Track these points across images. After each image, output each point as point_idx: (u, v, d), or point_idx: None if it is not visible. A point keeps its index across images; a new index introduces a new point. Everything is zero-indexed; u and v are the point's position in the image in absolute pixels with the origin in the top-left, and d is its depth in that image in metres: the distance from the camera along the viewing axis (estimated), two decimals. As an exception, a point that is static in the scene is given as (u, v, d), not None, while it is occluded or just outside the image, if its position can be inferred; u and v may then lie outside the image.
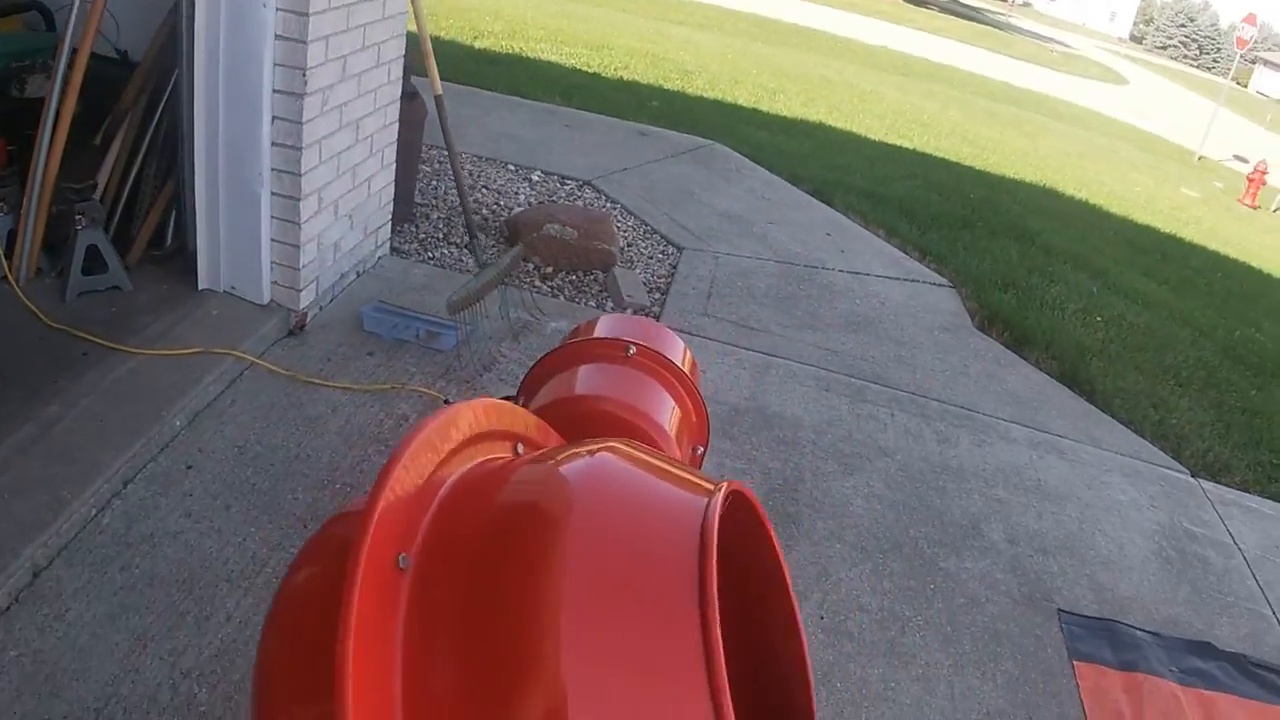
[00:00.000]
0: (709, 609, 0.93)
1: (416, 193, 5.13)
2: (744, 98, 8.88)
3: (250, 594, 2.51)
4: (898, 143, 8.81)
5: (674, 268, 4.96)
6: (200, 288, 3.71)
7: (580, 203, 5.57)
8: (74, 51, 3.27)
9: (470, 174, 5.70)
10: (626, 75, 8.84)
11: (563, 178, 5.90)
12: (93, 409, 3.03)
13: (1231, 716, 2.81)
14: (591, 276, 4.74)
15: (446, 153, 4.20)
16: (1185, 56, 31.46)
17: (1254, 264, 9.06)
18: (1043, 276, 5.96)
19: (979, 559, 3.18)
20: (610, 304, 4.50)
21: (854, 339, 4.48)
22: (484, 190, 5.54)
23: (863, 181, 6.91)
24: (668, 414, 1.76)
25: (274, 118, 3.38)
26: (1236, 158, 19.38)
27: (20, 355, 3.17)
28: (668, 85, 8.75)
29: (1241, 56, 20.54)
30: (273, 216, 3.58)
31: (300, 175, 3.48)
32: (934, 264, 5.60)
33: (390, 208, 4.44)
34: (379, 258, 4.46)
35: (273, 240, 3.63)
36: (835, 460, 3.55)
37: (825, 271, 5.15)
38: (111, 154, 3.55)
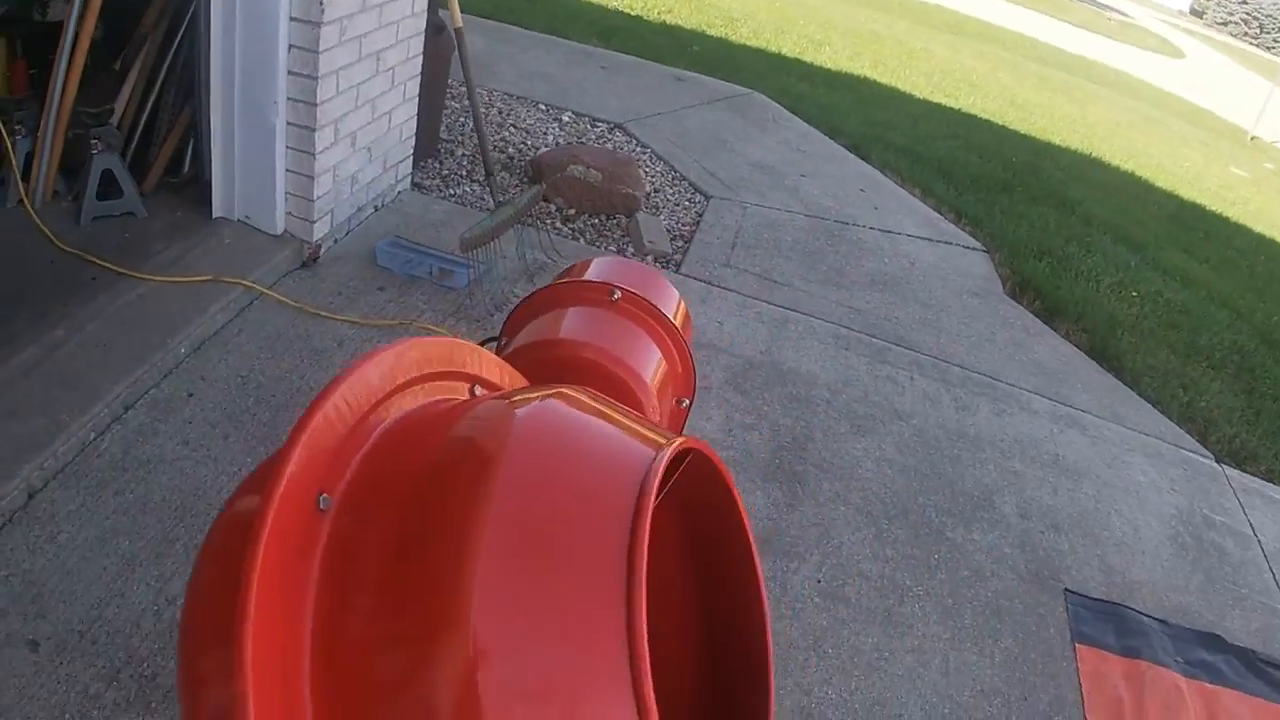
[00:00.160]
0: (635, 571, 0.87)
1: (443, 129, 5.05)
2: (788, 48, 8.64)
3: (239, 525, 2.49)
4: (943, 102, 8.54)
5: (700, 216, 4.86)
6: (214, 216, 3.68)
7: (610, 145, 5.46)
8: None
9: (499, 112, 5.60)
10: (669, 19, 8.62)
11: (594, 120, 5.79)
12: (98, 334, 3.02)
13: (1234, 713, 2.71)
14: (614, 221, 4.65)
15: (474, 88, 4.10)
16: (1246, 34, 30.24)
17: (1299, 250, 8.73)
18: (1080, 246, 5.77)
19: (988, 532, 3.09)
20: (631, 249, 4.41)
21: (879, 298, 4.36)
22: (512, 129, 5.45)
23: (903, 139, 6.71)
24: (649, 363, 1.69)
25: (290, 46, 3.31)
26: (1291, 141, 18.66)
27: (30, 278, 3.17)
28: (710, 31, 8.53)
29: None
30: (288, 147, 3.53)
31: (316, 105, 3.42)
32: (969, 227, 5.43)
33: (412, 142, 4.37)
34: (399, 192, 4.40)
35: (287, 170, 3.59)
36: (848, 421, 3.46)
37: (855, 228, 5.01)
38: (129, 80, 3.50)
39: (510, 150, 5.15)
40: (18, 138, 3.32)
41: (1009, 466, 3.43)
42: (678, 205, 4.97)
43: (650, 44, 7.49)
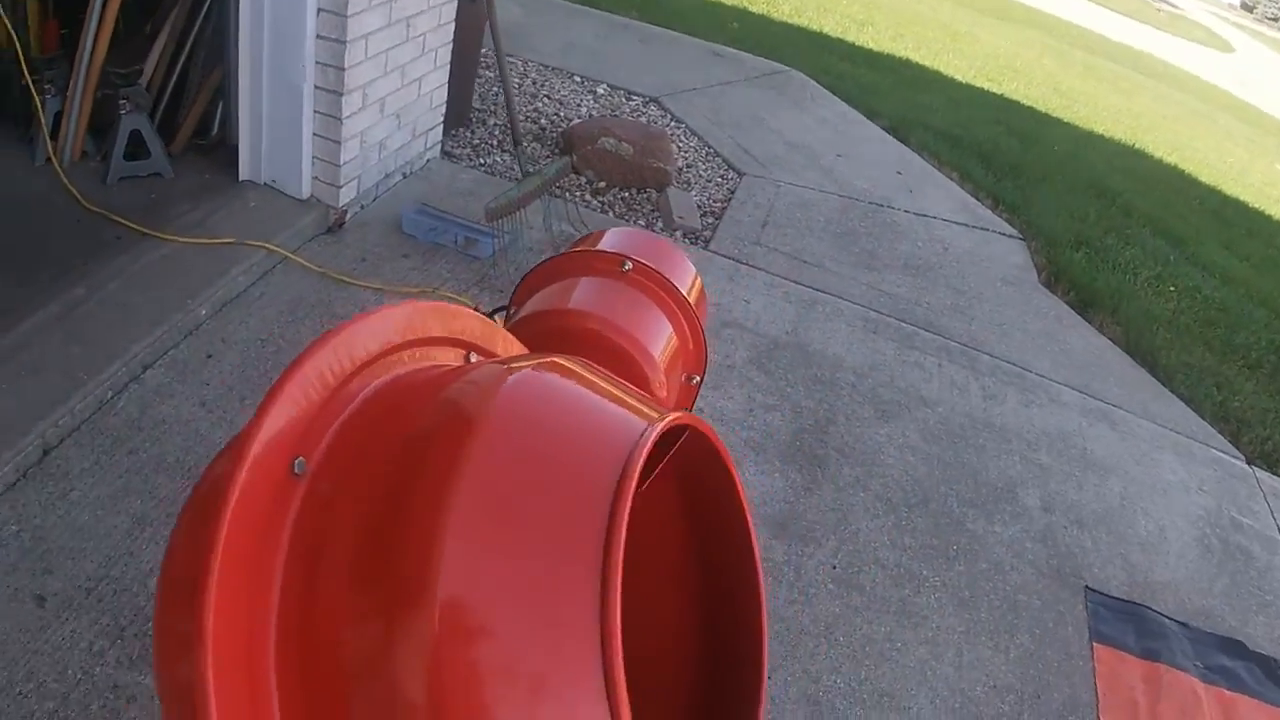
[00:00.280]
0: (612, 552, 0.82)
1: (475, 98, 5.00)
2: (830, 27, 8.49)
3: (249, 489, 2.48)
4: (985, 86, 8.36)
5: (732, 193, 4.78)
6: (240, 179, 3.67)
7: (644, 119, 5.39)
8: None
9: (534, 83, 5.55)
10: (709, -6, 8.53)
11: (629, 93, 5.72)
12: (119, 293, 3.02)
13: (1250, 722, 2.63)
14: (645, 195, 4.59)
15: (509, 58, 4.06)
16: (1297, 30, 29.42)
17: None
18: (1119, 238, 5.62)
19: (1009, 524, 3.01)
20: (660, 225, 4.36)
21: (910, 282, 4.27)
22: (546, 100, 5.39)
23: (942, 122, 6.57)
24: (658, 337, 1.64)
25: (319, 9, 3.28)
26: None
27: (54, 236, 3.17)
28: (752, 8, 8.40)
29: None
30: (315, 111, 3.51)
31: (344, 70, 3.39)
32: (1006, 213, 5.31)
33: (442, 110, 4.33)
34: (428, 160, 4.37)
35: (314, 135, 3.56)
36: (872, 405, 3.39)
37: (890, 210, 4.91)
38: (159, 41, 3.49)
39: (543, 121, 5.10)
40: (47, 97, 3.32)
41: (1035, 459, 3.34)
42: (710, 181, 4.90)
43: (690, 19, 7.38)
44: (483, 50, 5.87)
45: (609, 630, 0.79)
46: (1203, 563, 3.20)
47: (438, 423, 0.98)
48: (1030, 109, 8.28)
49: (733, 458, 3.06)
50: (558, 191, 4.29)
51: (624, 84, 5.78)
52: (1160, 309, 4.91)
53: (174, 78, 3.60)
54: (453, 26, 4.09)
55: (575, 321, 1.57)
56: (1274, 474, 3.90)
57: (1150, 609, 2.87)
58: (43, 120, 3.31)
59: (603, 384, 1.07)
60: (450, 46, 4.16)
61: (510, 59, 5.82)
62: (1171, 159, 8.54)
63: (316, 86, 3.44)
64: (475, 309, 1.36)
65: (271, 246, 3.40)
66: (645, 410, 1.03)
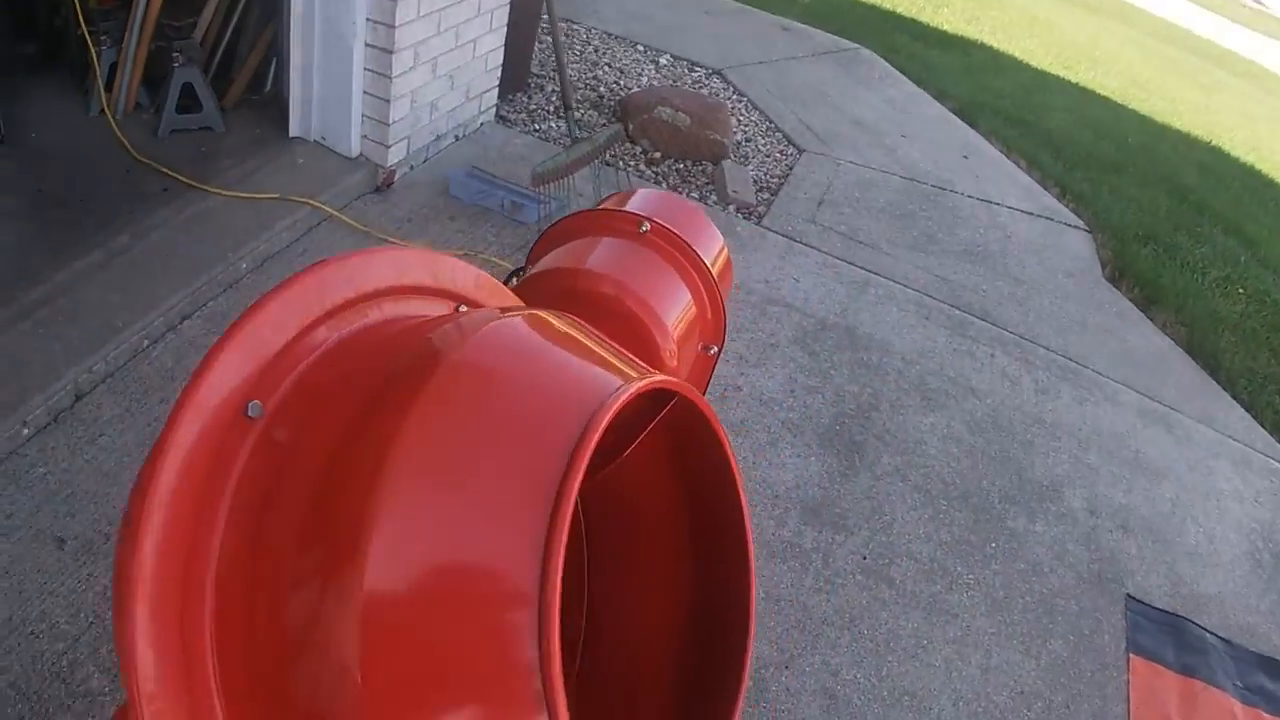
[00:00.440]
0: (557, 525, 0.75)
1: (535, 64, 4.93)
2: (903, 6, 8.25)
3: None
4: (1061, 74, 8.05)
5: (790, 169, 4.66)
6: (290, 135, 3.67)
7: (705, 91, 5.28)
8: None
9: (595, 50, 5.47)
10: (784, -33, 8.33)
11: (692, 64, 5.60)
12: (162, 243, 3.03)
13: (1289, 749, 2.47)
14: (700, 167, 4.49)
15: (572, 24, 3.99)
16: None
17: None
18: (1189, 235, 5.35)
19: (1052, 525, 2.87)
20: (714, 198, 4.26)
21: (968, 269, 4.11)
22: (606, 68, 5.31)
23: (1013, 107, 6.34)
24: (673, 303, 1.56)
25: (370, -36, 3.23)
26: None
27: (103, 185, 3.20)
28: (826, -17, 8.21)
29: None
30: (365, 68, 3.47)
31: (395, 27, 3.35)
32: (1073, 204, 5.09)
33: (498, 73, 4.27)
34: (481, 123, 4.32)
35: (364, 93, 3.54)
36: (918, 393, 3.27)
37: (952, 194, 4.74)
38: (214, -7, 3.49)
39: (601, 89, 5.02)
40: (103, 48, 3.34)
41: (1084, 458, 3.19)
42: (768, 156, 4.78)
43: (760, -9, 7.23)
44: (545, 17, 5.84)
45: (547, 602, 0.73)
46: (1252, 577, 3.02)
47: (394, 373, 0.92)
48: (1106, 99, 7.95)
49: (770, 438, 2.97)
50: (611, 160, 4.21)
51: (687, 55, 5.67)
52: (1227, 311, 4.67)
53: (228, 33, 3.60)
54: (510, -12, 4.02)
55: (581, 282, 1.50)
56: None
57: (1193, 622, 2.71)
58: (98, 71, 3.33)
59: (585, 342, 1.00)
60: (506, 9, 4.09)
61: (573, 25, 5.75)
62: (1249, 159, 8.13)
63: (367, 43, 3.41)
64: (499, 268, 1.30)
65: (316, 203, 3.38)
66: (624, 371, 0.96)
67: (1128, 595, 2.72)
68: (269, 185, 3.39)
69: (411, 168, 3.85)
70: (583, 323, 1.07)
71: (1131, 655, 2.52)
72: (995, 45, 8.11)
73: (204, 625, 0.87)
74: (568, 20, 5.78)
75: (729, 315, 3.41)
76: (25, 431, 2.37)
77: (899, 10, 8.14)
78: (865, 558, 2.59)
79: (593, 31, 5.71)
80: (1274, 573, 3.08)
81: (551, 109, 4.68)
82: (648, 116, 4.54)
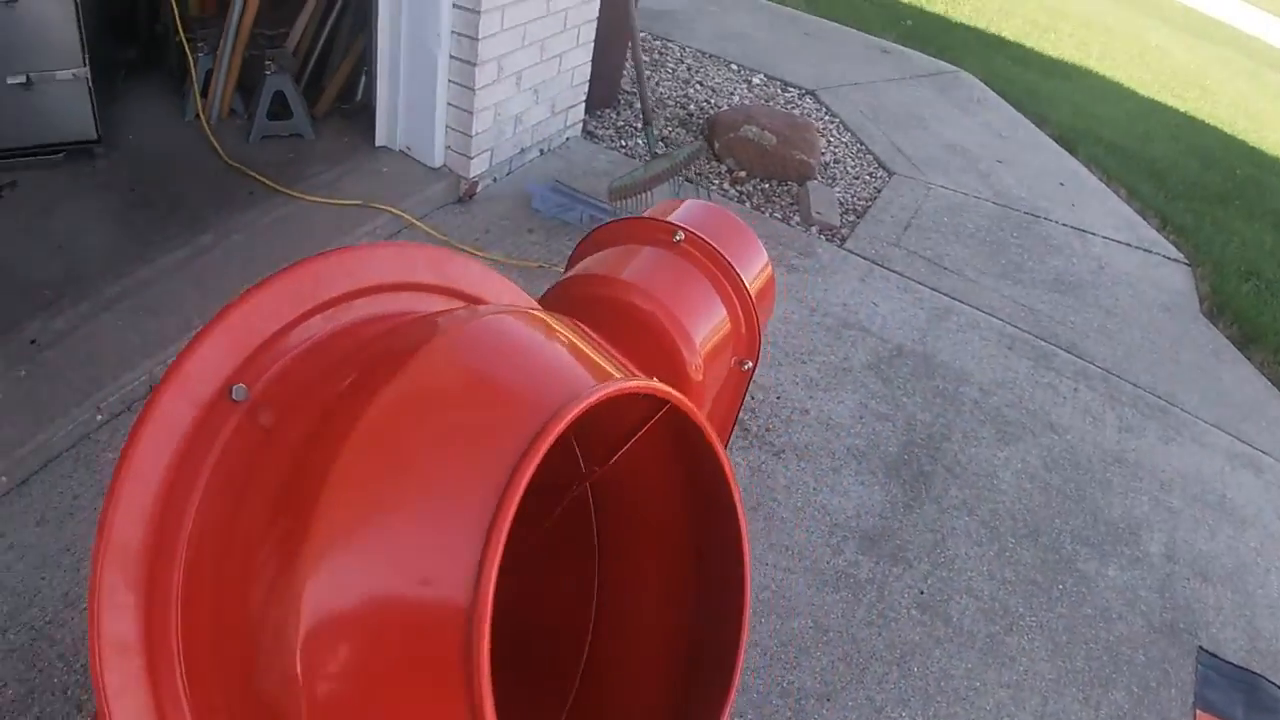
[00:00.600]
0: (497, 528, 0.72)
1: (625, 80, 4.95)
2: (1009, 30, 8.03)
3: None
4: (1168, 102, 7.70)
5: (878, 191, 4.56)
6: (377, 144, 3.74)
7: (798, 111, 5.22)
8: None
9: (688, 69, 5.46)
10: (888, -10, 8.22)
11: (785, 84, 5.55)
12: (243, 245, 3.12)
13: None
14: (785, 187, 4.43)
15: (667, 42, 3.99)
16: None
17: None
18: (1294, 273, 5.03)
19: (1125, 569, 2.71)
20: (798, 218, 4.19)
21: (1057, 300, 3.94)
22: (698, 86, 5.30)
23: (1116, 135, 6.08)
24: (701, 314, 1.52)
25: (456, -23, 3.28)
26: None
27: (193, 187, 3.31)
28: (929, 7, 8.03)
29: None
30: (449, 80, 3.53)
31: (478, 40, 3.39)
32: (1173, 235, 4.84)
33: (584, 89, 4.30)
34: (568, 138, 4.34)
35: (448, 104, 3.59)
36: (994, 426, 3.14)
37: (1046, 222, 4.57)
38: (307, 7, 3.59)
39: (691, 107, 5.01)
40: (200, 55, 3.47)
41: (1165, 501, 3.00)
42: (857, 179, 4.69)
43: (861, 13, 7.13)
44: (641, 34, 5.86)
45: (478, 614, 0.70)
46: (1343, 639, 2.79)
47: (367, 367, 0.90)
48: (1214, 129, 7.58)
49: (834, 464, 2.89)
50: (695, 178, 4.19)
51: (781, 75, 5.62)
52: (1330, 353, 4.36)
53: (320, 43, 3.71)
54: (597, 4, 4.03)
55: (605, 288, 1.47)
56: None
57: (1268, 680, 2.51)
58: (194, 77, 3.46)
59: (571, 346, 0.97)
60: (594, 25, 4.11)
61: (668, 43, 5.76)
62: (1365, 196, 7.64)
63: (451, 56, 3.46)
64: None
65: (397, 211, 3.44)
66: (604, 375, 0.92)
67: (1200, 647, 2.53)
68: (352, 192, 3.47)
69: (495, 180, 3.89)
70: (582, 327, 1.04)
71: (1198, 711, 2.34)
72: (1102, 71, 7.83)
73: (172, 592, 0.88)
74: (663, 39, 5.79)
75: (806, 338, 3.37)
76: (99, 418, 2.45)
77: (1004, 34, 7.94)
78: (922, 592, 2.49)
79: (687, 50, 5.71)
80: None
81: (639, 125, 4.68)
82: (734, 135, 4.50)
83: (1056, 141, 5.58)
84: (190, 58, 3.43)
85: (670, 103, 5.02)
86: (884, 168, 4.81)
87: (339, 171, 3.57)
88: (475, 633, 0.69)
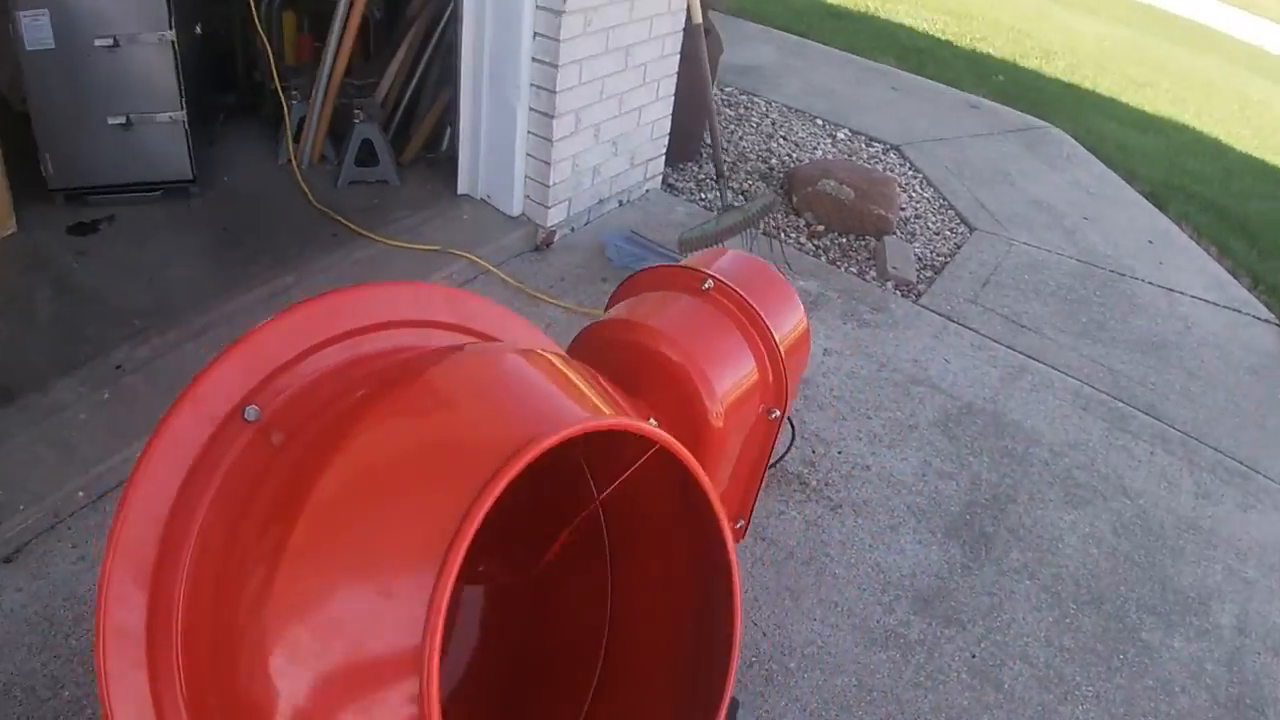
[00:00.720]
0: (450, 560, 0.75)
1: (707, 134, 5.02)
2: (1104, 86, 7.85)
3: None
4: (1269, 159, 7.39)
5: (958, 247, 4.51)
6: (459, 192, 3.88)
7: (880, 166, 5.21)
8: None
9: (773, 123, 5.51)
10: (980, 47, 8.11)
11: (870, 139, 5.55)
12: (324, 285, 3.25)
13: None
14: (862, 241, 4.42)
15: (753, 97, 4.06)
16: None
17: None
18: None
19: (1193, 640, 2.58)
20: (873, 273, 4.17)
21: (1138, 360, 3.82)
22: (781, 140, 5.34)
23: (1210, 192, 5.87)
24: (726, 362, 1.53)
25: (535, 34, 3.41)
26: None
27: (281, 229, 3.49)
28: (1023, 63, 7.93)
29: None
30: (528, 132, 3.64)
31: (555, 93, 3.50)
32: (1265, 295, 4.63)
33: (664, 141, 4.38)
34: (647, 190, 4.42)
35: (527, 155, 3.70)
36: (1062, 488, 3.05)
37: (1131, 281, 4.43)
38: (396, 59, 3.77)
39: (773, 161, 5.04)
40: (293, 102, 3.66)
41: (1240, 571, 2.85)
42: (937, 234, 4.64)
43: (951, 69, 7.09)
44: (727, 88, 5.94)
45: (429, 644, 0.73)
46: None
47: (355, 398, 0.96)
48: (1317, 188, 7.25)
49: (892, 522, 2.86)
50: (772, 231, 4.21)
51: (866, 130, 5.63)
52: None
53: (408, 94, 3.87)
54: (677, 59, 4.12)
55: (628, 332, 1.50)
56: None
57: None
58: (288, 124, 3.65)
59: (560, 383, 1.00)
60: (674, 80, 4.19)
61: (754, 98, 5.82)
62: None
63: (530, 108, 3.57)
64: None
65: (473, 257, 3.55)
66: (590, 411, 0.95)
67: (1270, 730, 2.40)
68: (433, 237, 3.59)
69: (572, 229, 3.97)
70: (583, 367, 1.07)
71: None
72: (1199, 127, 7.58)
73: (176, 590, 0.93)
74: (750, 93, 5.86)
75: (873, 393, 3.33)
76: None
77: (1099, 90, 7.78)
78: (975, 656, 2.42)
79: (773, 104, 5.77)
80: None
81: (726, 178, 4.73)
82: (812, 189, 4.52)
83: (1147, 198, 5.43)
84: (284, 105, 3.62)
85: (752, 156, 5.06)
86: (965, 223, 4.75)
87: (421, 217, 3.70)
88: (426, 681, 0.72)
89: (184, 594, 0.92)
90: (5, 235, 3.20)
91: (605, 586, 1.30)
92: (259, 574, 0.86)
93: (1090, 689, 2.37)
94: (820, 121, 5.68)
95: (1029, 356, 3.70)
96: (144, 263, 3.17)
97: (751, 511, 1.83)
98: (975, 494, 2.97)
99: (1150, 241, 4.88)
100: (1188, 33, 12.30)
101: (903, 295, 4.03)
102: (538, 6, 3.34)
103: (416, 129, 3.95)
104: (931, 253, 4.45)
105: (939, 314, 3.90)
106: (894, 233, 4.49)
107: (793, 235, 4.40)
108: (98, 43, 3.13)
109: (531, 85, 3.52)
